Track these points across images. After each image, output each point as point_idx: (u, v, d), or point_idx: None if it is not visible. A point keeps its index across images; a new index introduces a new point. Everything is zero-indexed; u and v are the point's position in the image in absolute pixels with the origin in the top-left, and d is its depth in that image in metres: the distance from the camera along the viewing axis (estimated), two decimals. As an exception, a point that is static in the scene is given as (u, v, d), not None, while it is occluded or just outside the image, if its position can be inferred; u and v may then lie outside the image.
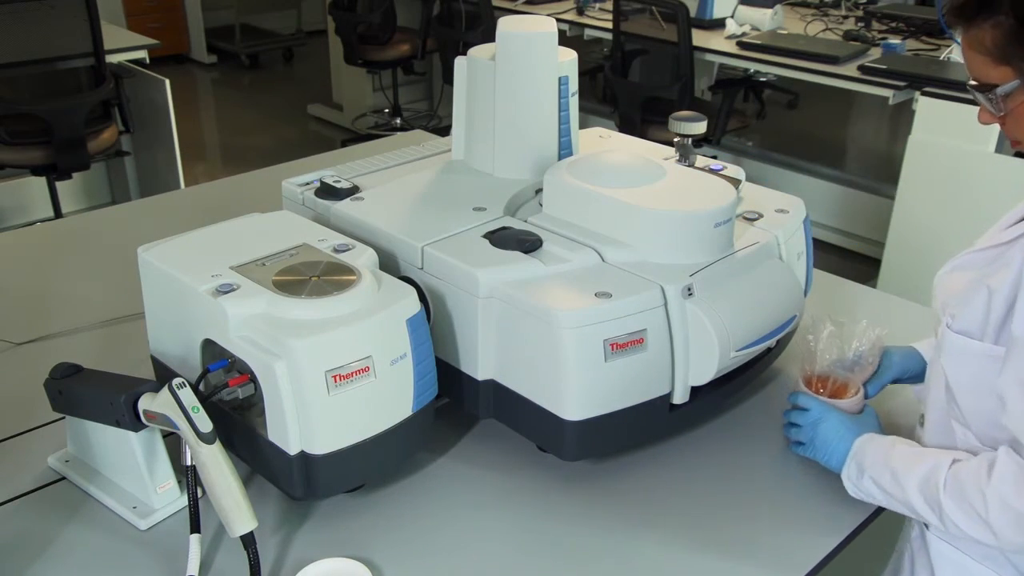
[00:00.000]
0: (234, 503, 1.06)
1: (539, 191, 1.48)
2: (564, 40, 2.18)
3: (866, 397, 1.31)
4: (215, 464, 1.06)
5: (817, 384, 1.32)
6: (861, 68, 3.24)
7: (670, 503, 1.26)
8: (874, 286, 2.74)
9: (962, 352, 1.11)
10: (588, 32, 4.38)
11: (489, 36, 1.51)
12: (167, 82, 3.77)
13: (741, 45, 3.83)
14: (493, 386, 1.29)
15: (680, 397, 1.28)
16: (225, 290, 1.15)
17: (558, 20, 3.39)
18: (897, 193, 3.21)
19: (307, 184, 1.54)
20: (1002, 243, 1.12)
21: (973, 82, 1.08)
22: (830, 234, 4.21)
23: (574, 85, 1.55)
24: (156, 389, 1.11)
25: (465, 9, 4.56)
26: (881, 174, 4.13)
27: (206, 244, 1.29)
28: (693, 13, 3.98)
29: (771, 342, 1.34)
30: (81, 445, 1.27)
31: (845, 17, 4.12)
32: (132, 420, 1.13)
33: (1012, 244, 1.09)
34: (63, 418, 1.27)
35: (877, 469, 1.16)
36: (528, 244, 1.29)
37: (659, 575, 1.14)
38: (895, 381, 1.37)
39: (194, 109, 6.35)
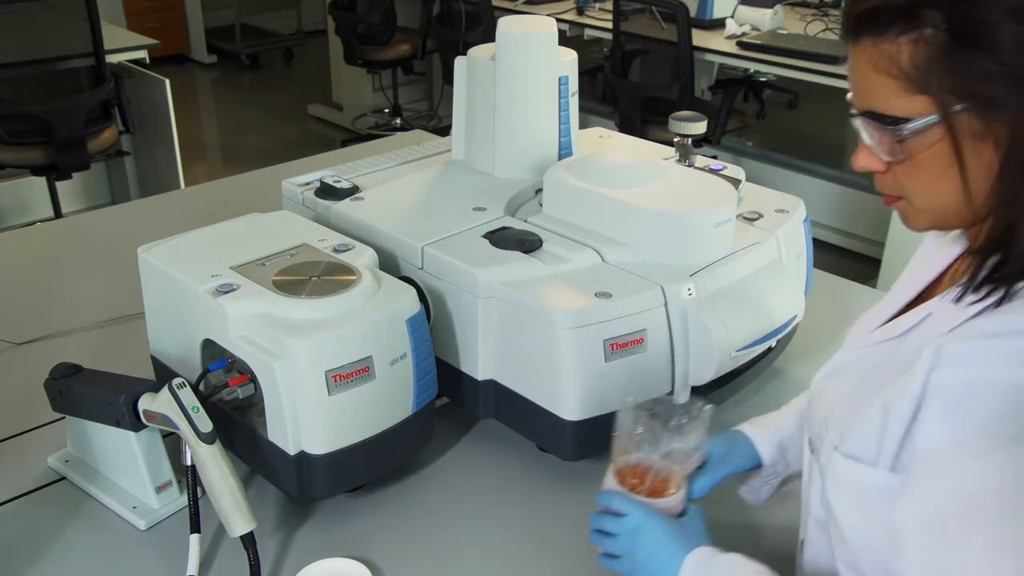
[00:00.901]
0: (234, 503, 1.06)
1: (539, 191, 1.48)
2: (564, 40, 2.18)
3: (696, 496, 1.06)
4: (215, 464, 1.06)
5: (631, 479, 1.03)
6: (861, 68, 3.24)
7: (670, 503, 1.26)
8: (874, 286, 2.74)
9: (851, 481, 0.85)
10: (588, 32, 4.38)
11: (489, 36, 1.51)
12: (167, 82, 3.77)
13: (741, 45, 3.83)
14: (493, 386, 1.29)
15: (680, 397, 1.28)
16: (225, 290, 1.15)
17: (558, 20, 3.39)
18: (897, 193, 3.21)
19: (307, 184, 1.54)
20: (893, 337, 0.88)
21: (869, 110, 0.81)
22: (830, 234, 4.21)
23: (574, 85, 1.55)
24: (156, 389, 1.11)
25: (465, 9, 4.56)
26: (881, 174, 4.13)
27: (206, 244, 1.29)
28: (693, 13, 3.98)
29: (771, 342, 1.34)
30: (81, 445, 1.27)
31: (845, 17, 4.11)
32: (132, 420, 1.13)
33: (905, 338, 0.86)
34: (63, 418, 1.27)
35: None
36: (528, 244, 1.30)
37: (659, 575, 1.14)
38: (734, 473, 1.12)
39: (194, 109, 6.35)
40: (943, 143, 0.77)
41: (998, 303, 0.77)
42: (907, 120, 0.78)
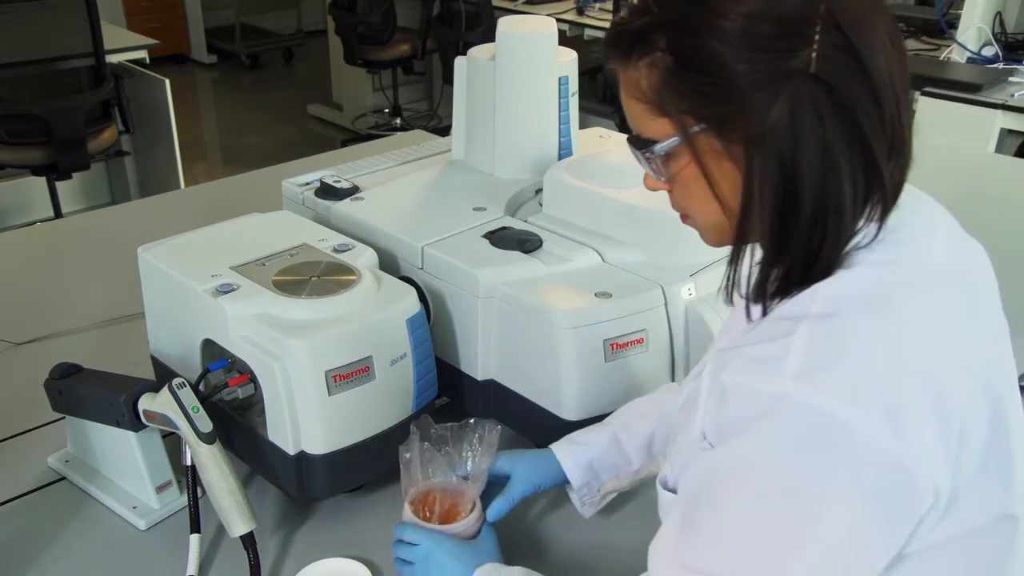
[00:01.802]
0: (234, 503, 1.06)
1: (539, 191, 1.48)
2: (564, 40, 2.18)
3: (491, 519, 1.08)
4: (215, 464, 1.06)
5: (425, 509, 1.08)
6: (861, 68, 3.24)
7: (670, 503, 1.26)
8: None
9: (666, 511, 0.87)
10: (588, 32, 4.38)
11: (489, 36, 1.51)
12: (167, 82, 3.77)
13: (741, 45, 3.82)
14: (493, 386, 1.29)
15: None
16: (225, 290, 1.15)
17: (558, 20, 3.39)
18: (897, 193, 3.21)
19: (307, 184, 1.54)
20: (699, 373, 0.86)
21: (632, 134, 0.83)
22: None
23: (574, 85, 1.55)
24: (156, 389, 1.11)
25: (465, 9, 4.56)
26: (881, 174, 4.13)
27: (206, 244, 1.29)
28: (693, 13, 3.97)
29: (771, 342, 1.34)
30: (81, 445, 1.27)
31: (845, 17, 4.12)
32: (132, 420, 1.13)
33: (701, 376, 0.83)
34: (63, 418, 1.27)
35: None
36: (528, 244, 1.29)
37: (659, 575, 1.14)
38: (537, 491, 1.12)
39: (194, 109, 6.35)
40: (693, 163, 0.79)
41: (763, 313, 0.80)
42: (655, 142, 0.80)
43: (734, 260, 0.81)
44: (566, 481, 1.12)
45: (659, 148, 0.80)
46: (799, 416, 0.69)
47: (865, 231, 0.77)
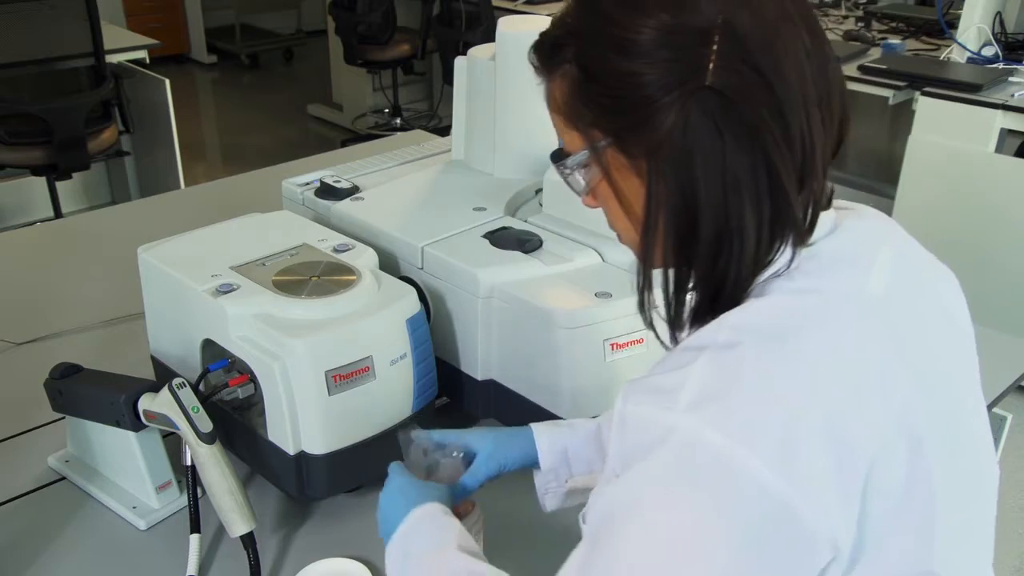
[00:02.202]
0: (234, 503, 1.06)
1: (539, 191, 1.48)
2: (564, 40, 2.18)
3: (458, 497, 1.04)
4: (215, 464, 1.06)
5: None
6: (861, 68, 3.24)
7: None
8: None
9: None
10: (588, 32, 4.37)
11: (489, 36, 1.51)
12: (167, 82, 3.77)
13: (741, 45, 3.82)
14: (493, 386, 1.29)
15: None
16: (225, 290, 1.15)
17: (558, 20, 3.38)
18: (897, 193, 3.21)
19: (307, 184, 1.54)
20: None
21: (555, 150, 0.82)
22: (830, 234, 4.20)
23: (574, 85, 1.55)
24: (156, 389, 1.11)
25: (465, 9, 4.56)
26: (881, 174, 4.12)
27: (206, 244, 1.29)
28: (693, 13, 3.97)
29: (771, 342, 1.34)
30: (81, 445, 1.27)
31: (845, 17, 4.12)
32: (132, 420, 1.13)
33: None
34: (63, 418, 1.27)
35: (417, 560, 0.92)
36: (528, 244, 1.30)
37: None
38: (504, 471, 1.06)
39: (194, 109, 6.35)
40: (605, 179, 0.77)
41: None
42: (568, 155, 0.79)
43: (643, 284, 0.78)
44: (536, 464, 1.07)
45: (570, 162, 0.79)
46: (686, 450, 0.66)
47: (781, 259, 0.73)
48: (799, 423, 0.66)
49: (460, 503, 1.05)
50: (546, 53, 0.78)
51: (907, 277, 0.79)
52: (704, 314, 0.75)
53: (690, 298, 0.77)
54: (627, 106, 0.72)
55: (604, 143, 0.75)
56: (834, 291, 0.73)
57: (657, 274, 0.78)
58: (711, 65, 0.69)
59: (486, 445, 1.06)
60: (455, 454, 1.06)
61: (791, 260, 0.73)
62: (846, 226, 0.78)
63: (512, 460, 1.06)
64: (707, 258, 0.73)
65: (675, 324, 0.78)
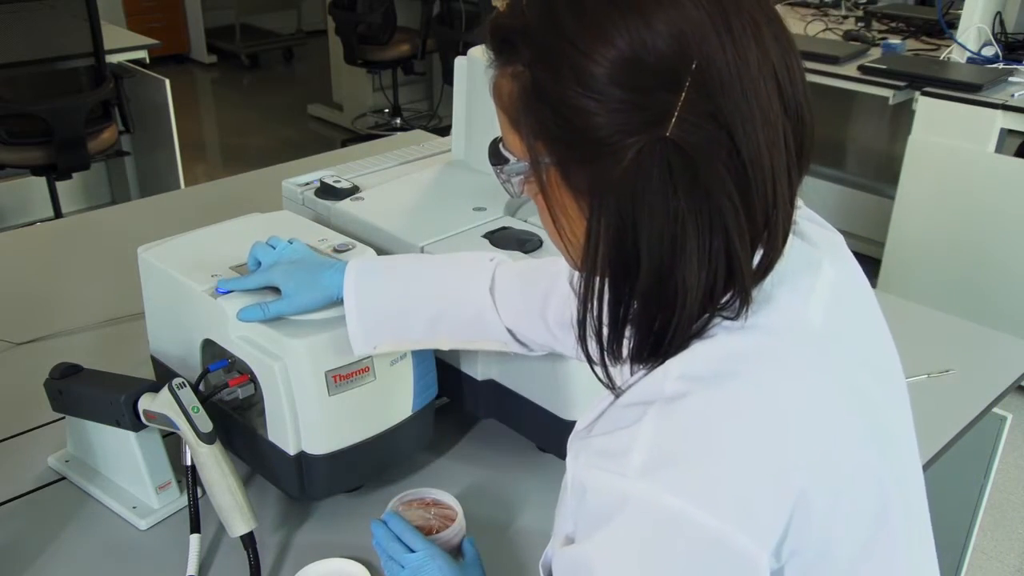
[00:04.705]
0: (234, 503, 1.06)
1: (539, 191, 1.48)
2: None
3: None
4: (215, 464, 1.06)
5: (417, 504, 1.15)
6: (861, 68, 3.24)
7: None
8: (874, 286, 2.74)
9: None
10: (588, 32, 4.37)
11: (489, 36, 1.51)
12: (167, 82, 3.77)
13: (741, 45, 3.82)
14: (493, 386, 1.29)
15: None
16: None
17: (558, 20, 3.37)
18: (897, 193, 3.21)
19: (307, 184, 1.54)
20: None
21: (494, 146, 0.78)
22: (830, 234, 4.20)
23: (574, 85, 1.55)
24: (156, 389, 1.11)
25: (465, 9, 4.56)
26: (881, 174, 4.12)
27: (206, 244, 1.29)
28: (693, 13, 3.97)
29: (771, 342, 1.34)
30: (81, 445, 1.27)
31: (845, 17, 4.12)
32: (132, 420, 1.13)
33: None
34: (63, 418, 1.27)
35: None
36: (528, 244, 1.29)
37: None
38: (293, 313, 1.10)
39: (194, 109, 6.35)
40: (540, 193, 0.72)
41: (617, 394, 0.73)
42: (507, 160, 0.74)
43: (581, 317, 0.72)
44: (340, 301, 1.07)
45: (508, 168, 0.74)
46: (645, 518, 0.64)
47: (730, 306, 0.68)
48: (752, 474, 0.64)
49: (443, 514, 1.10)
50: (498, 42, 0.72)
51: (843, 307, 0.76)
52: (647, 356, 0.71)
53: (629, 334, 0.71)
54: (575, 140, 0.66)
55: (547, 161, 0.69)
56: (775, 325, 0.70)
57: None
58: (675, 115, 0.62)
59: (290, 284, 1.09)
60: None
61: (740, 310, 0.68)
62: (790, 253, 0.72)
63: (315, 300, 1.09)
64: (645, 308, 0.68)
65: (612, 355, 0.72)
